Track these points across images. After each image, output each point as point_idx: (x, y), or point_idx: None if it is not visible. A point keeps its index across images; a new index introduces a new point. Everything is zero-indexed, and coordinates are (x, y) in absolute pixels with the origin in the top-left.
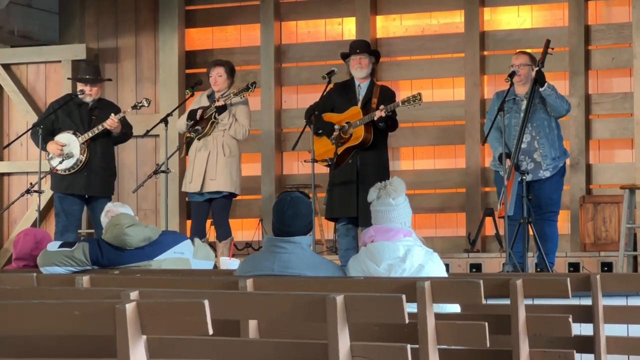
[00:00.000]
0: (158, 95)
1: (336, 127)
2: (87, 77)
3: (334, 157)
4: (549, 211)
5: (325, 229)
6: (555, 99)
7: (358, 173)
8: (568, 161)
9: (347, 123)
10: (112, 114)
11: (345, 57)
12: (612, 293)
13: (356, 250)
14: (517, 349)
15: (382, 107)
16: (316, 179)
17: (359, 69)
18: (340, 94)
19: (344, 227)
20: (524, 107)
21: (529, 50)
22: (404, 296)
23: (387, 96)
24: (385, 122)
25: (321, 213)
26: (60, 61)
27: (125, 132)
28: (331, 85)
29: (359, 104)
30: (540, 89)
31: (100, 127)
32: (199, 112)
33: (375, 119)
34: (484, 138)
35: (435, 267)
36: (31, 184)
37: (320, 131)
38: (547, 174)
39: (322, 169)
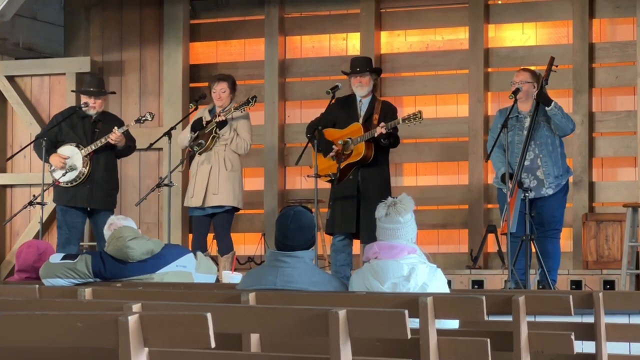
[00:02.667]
0: (162, 108)
1: (340, 142)
2: (91, 89)
3: (337, 172)
4: (551, 228)
5: (327, 244)
6: (561, 118)
7: (359, 189)
8: (571, 179)
9: (348, 139)
10: (116, 128)
11: (347, 74)
12: (614, 311)
13: (351, 266)
14: None
15: (382, 124)
16: (319, 194)
17: (359, 87)
18: (342, 110)
19: (340, 243)
20: (526, 124)
21: (532, 67)
22: (406, 311)
23: (389, 112)
24: (387, 138)
25: (323, 228)
26: (64, 73)
27: (129, 145)
28: (332, 100)
29: (360, 120)
30: (547, 109)
31: (103, 140)
32: (205, 122)
33: (376, 135)
34: (487, 155)
35: (438, 285)
36: (34, 196)
37: (320, 149)
38: (550, 192)
39: (325, 184)
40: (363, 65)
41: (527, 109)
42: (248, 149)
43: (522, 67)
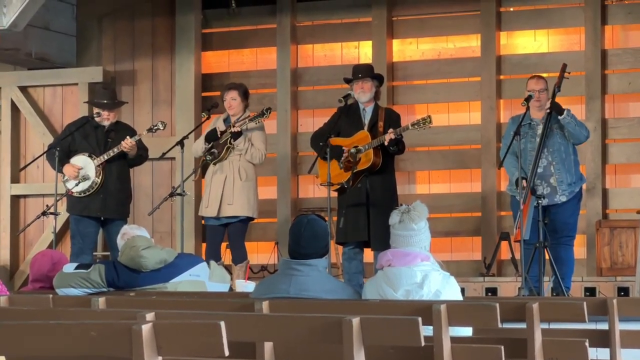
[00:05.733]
0: (174, 117)
1: (351, 149)
2: (104, 101)
3: (350, 180)
4: (565, 235)
5: (340, 252)
6: (575, 126)
7: (368, 197)
8: (584, 186)
9: (355, 147)
10: (128, 137)
11: (348, 81)
12: (629, 318)
13: (363, 273)
14: None
15: (391, 130)
16: (332, 203)
17: (362, 94)
18: (346, 118)
19: (351, 251)
20: (539, 131)
21: (544, 75)
22: (420, 319)
23: (393, 119)
24: (396, 145)
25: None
26: (77, 84)
27: (141, 154)
28: (335, 110)
29: (365, 127)
30: (560, 117)
31: (116, 149)
32: (219, 133)
33: (386, 142)
34: (500, 162)
35: (451, 292)
36: (47, 206)
37: (327, 155)
38: (564, 199)
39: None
40: (365, 71)
41: (540, 116)
42: (263, 158)
43: (536, 74)
